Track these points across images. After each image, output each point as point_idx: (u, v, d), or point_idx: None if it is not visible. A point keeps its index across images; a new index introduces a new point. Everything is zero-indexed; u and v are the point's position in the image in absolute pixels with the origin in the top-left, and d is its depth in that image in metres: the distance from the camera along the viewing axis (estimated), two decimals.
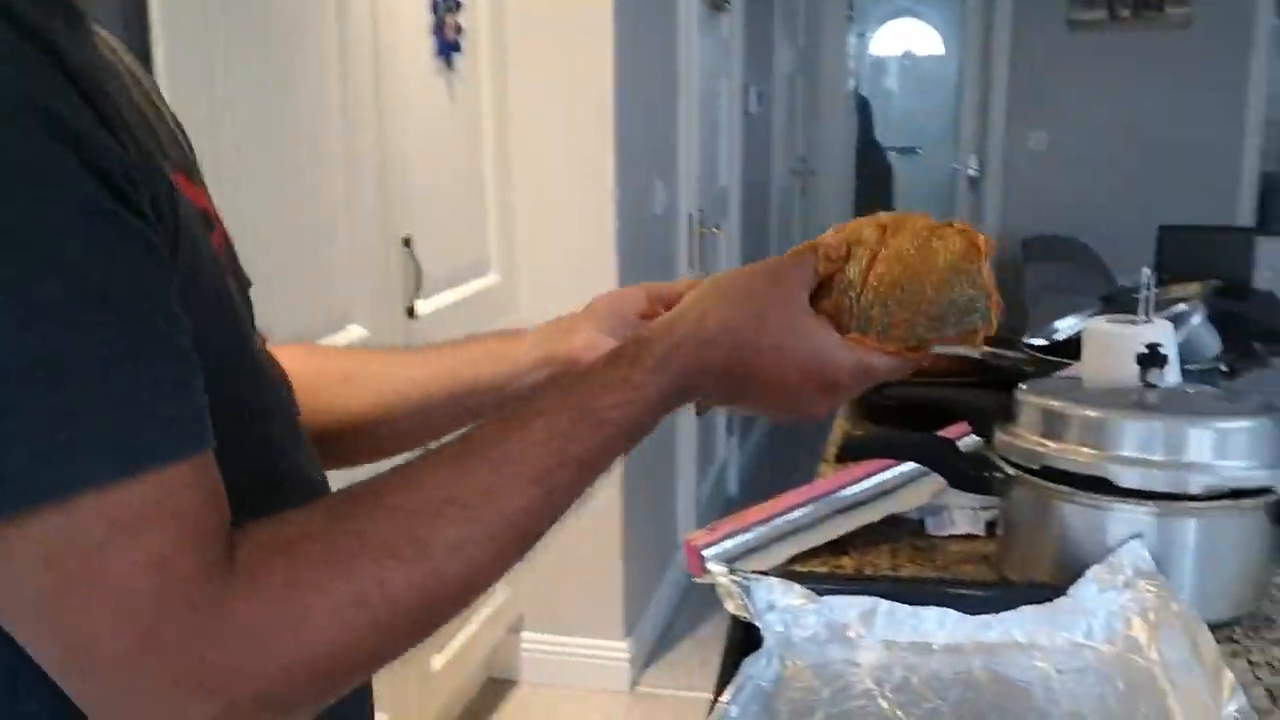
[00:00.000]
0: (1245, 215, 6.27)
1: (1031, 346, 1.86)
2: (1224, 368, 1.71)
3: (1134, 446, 1.21)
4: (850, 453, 1.50)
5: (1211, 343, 1.71)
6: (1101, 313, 1.89)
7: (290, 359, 0.87)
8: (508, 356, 0.97)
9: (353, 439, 0.96)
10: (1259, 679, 1.15)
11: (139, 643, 0.54)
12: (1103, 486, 1.20)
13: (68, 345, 0.54)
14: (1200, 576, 1.22)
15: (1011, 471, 1.27)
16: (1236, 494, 1.21)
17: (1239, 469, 1.21)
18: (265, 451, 0.73)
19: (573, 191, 3.08)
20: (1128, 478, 1.20)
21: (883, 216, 0.85)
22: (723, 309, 0.78)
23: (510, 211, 3.04)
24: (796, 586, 1.15)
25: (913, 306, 0.79)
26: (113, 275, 0.56)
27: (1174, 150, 6.08)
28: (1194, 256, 4.91)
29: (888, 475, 1.45)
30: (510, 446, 0.67)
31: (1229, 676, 0.99)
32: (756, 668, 1.00)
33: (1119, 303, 1.93)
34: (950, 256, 0.80)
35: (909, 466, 1.44)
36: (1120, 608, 1.16)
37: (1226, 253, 5.22)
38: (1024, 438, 1.27)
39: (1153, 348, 1.29)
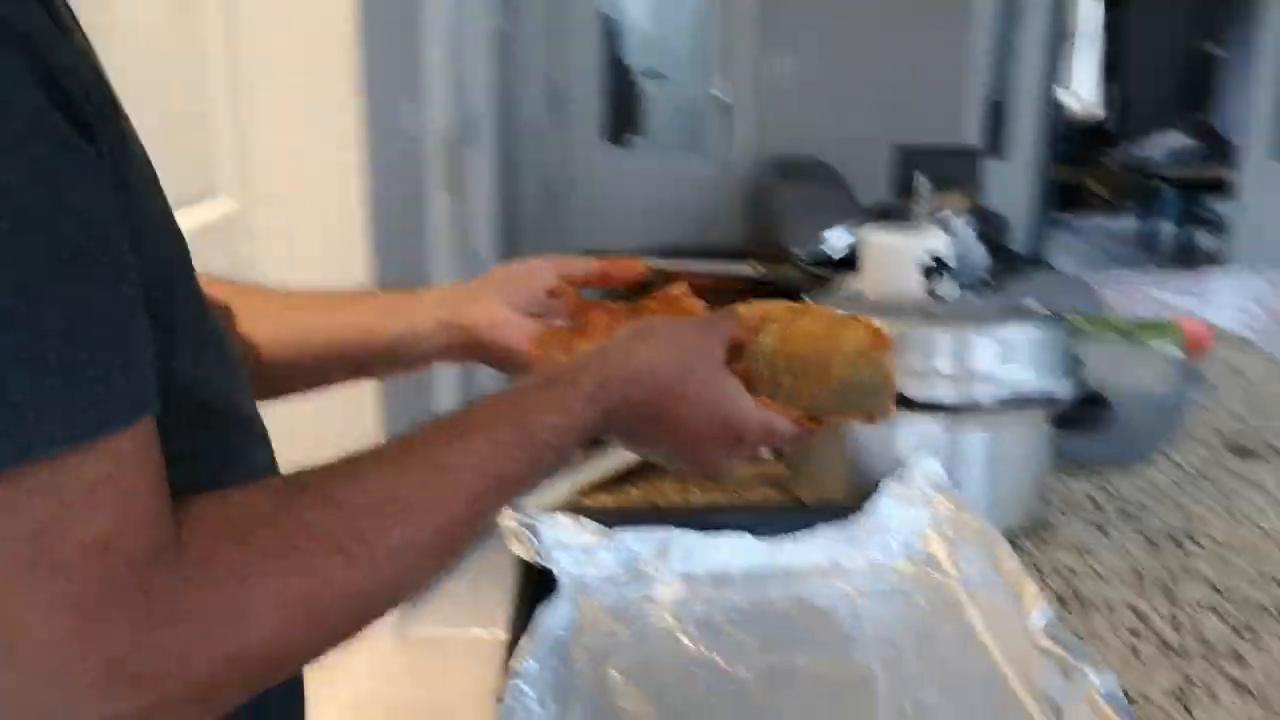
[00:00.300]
0: (972, 139, 6.52)
1: (804, 261, 1.82)
2: (989, 280, 1.71)
3: (923, 358, 1.18)
4: None
5: (980, 254, 1.70)
6: (872, 223, 1.87)
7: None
8: (401, 315, 0.94)
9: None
10: (1048, 585, 1.14)
11: (75, 629, 0.50)
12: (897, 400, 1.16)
13: (7, 297, 0.48)
14: (990, 487, 1.20)
15: None
16: (1022, 403, 1.18)
17: (1024, 378, 1.19)
18: (204, 386, 0.66)
19: (314, 109, 2.87)
20: (918, 390, 1.16)
21: (790, 303, 0.93)
22: (652, 351, 0.80)
23: (243, 131, 2.81)
24: (587, 523, 1.07)
25: (819, 382, 0.85)
26: (60, 213, 0.50)
27: (909, 76, 6.25)
28: (929, 177, 5.06)
29: None
30: (451, 456, 0.66)
31: (1032, 588, 0.96)
32: (553, 616, 0.91)
33: (885, 216, 1.91)
34: (857, 343, 0.87)
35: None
36: (917, 524, 1.13)
37: (958, 173, 5.42)
38: None
39: (938, 258, 1.25)
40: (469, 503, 0.66)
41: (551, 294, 0.93)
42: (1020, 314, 1.25)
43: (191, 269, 0.66)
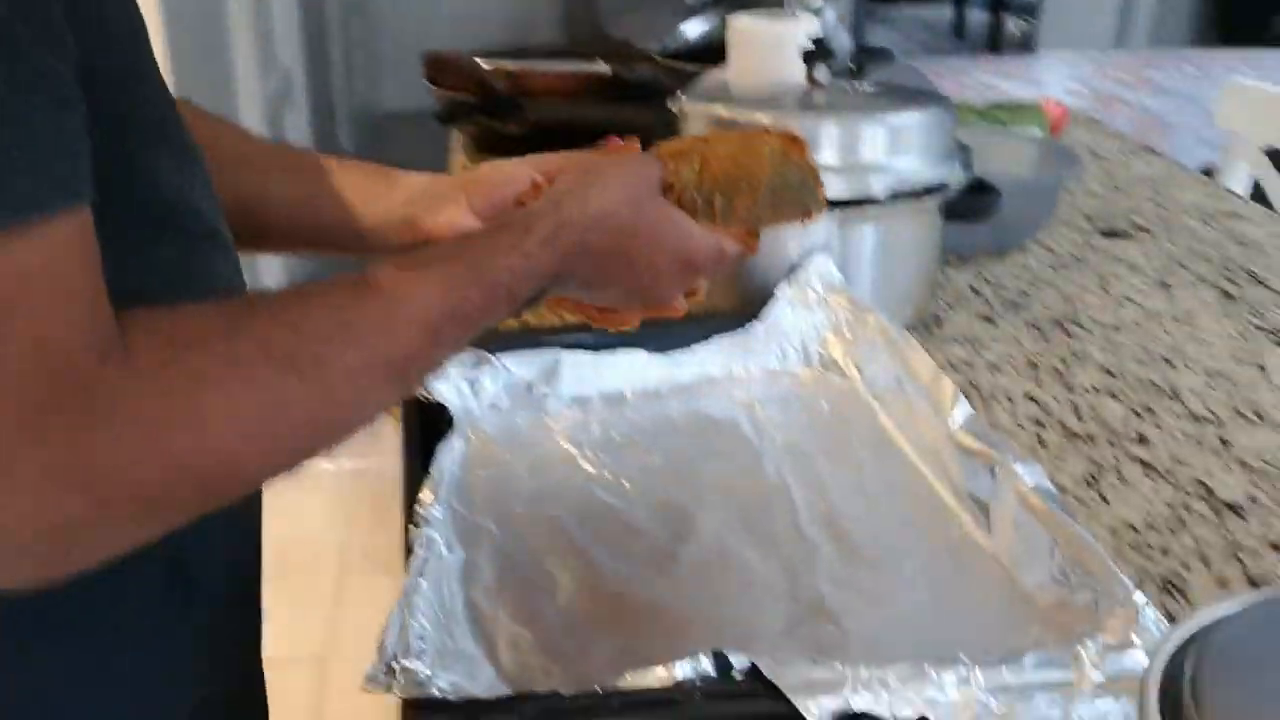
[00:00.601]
0: None
1: (660, 54, 1.71)
2: (853, 65, 1.63)
3: (812, 151, 1.10)
4: None
5: (844, 41, 1.63)
6: (731, 12, 1.77)
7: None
8: (380, 204, 0.87)
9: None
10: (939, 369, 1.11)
11: (16, 430, 0.47)
12: None
13: None
14: (881, 283, 1.15)
15: None
16: (915, 193, 1.13)
17: (914, 166, 1.13)
18: (165, 187, 0.63)
19: None
20: None
21: (694, 136, 0.95)
22: (606, 195, 0.76)
23: None
24: (470, 349, 0.98)
25: (750, 194, 0.82)
26: None
27: None
28: None
29: None
30: (404, 287, 0.63)
31: (949, 385, 0.92)
32: (448, 454, 0.83)
33: (735, 3, 1.81)
34: (774, 149, 0.84)
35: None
36: (814, 327, 1.08)
37: None
38: None
39: (818, 41, 1.17)
40: (423, 333, 0.63)
41: (520, 203, 0.84)
42: (907, 99, 1.19)
43: (153, 64, 0.62)
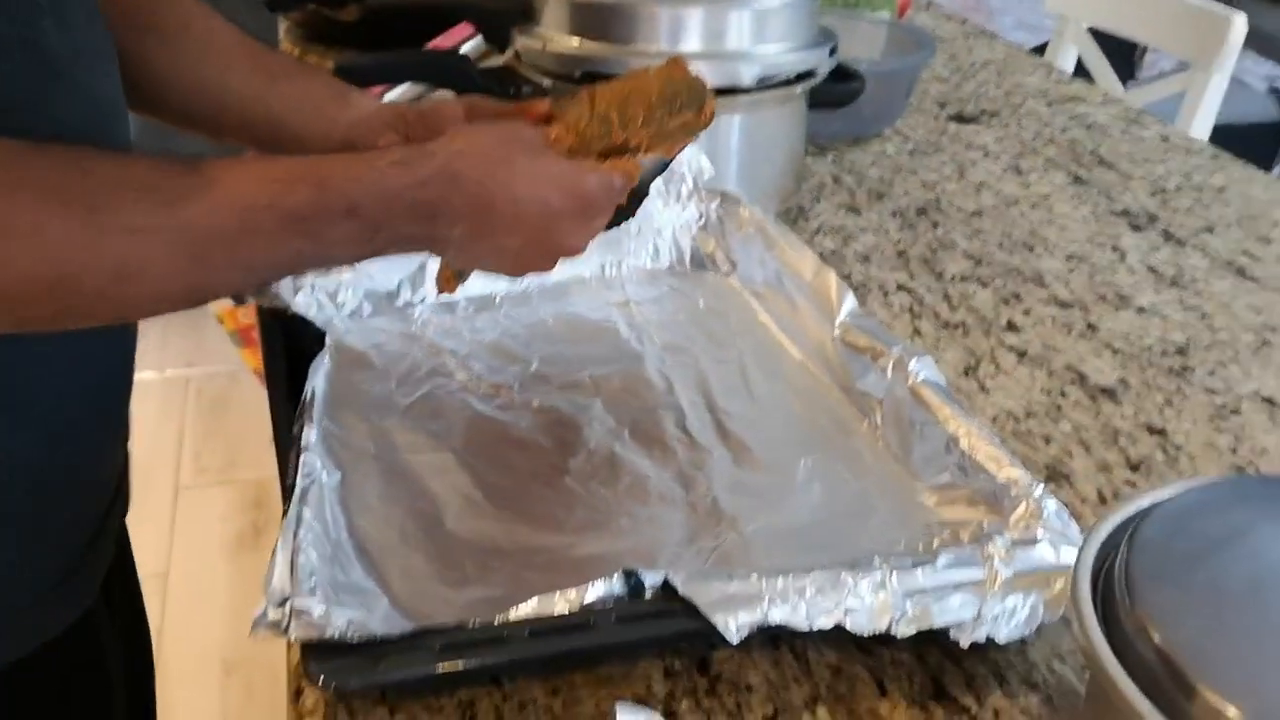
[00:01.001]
0: None
1: None
2: None
3: (678, 39, 1.06)
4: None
5: None
6: None
7: None
8: (325, 122, 0.82)
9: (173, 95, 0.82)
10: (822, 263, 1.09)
11: None
12: None
13: None
14: (748, 174, 1.12)
15: (547, 83, 1.08)
16: (782, 81, 1.09)
17: (781, 53, 1.09)
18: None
19: None
20: None
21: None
22: (470, 133, 0.71)
23: None
24: None
25: (643, 100, 0.78)
26: None
27: None
28: None
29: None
30: (227, 172, 0.59)
31: (833, 279, 0.90)
32: (318, 374, 0.77)
33: None
34: (657, 68, 0.81)
35: (411, 90, 1.20)
36: (686, 223, 1.04)
37: None
38: (555, 40, 1.08)
39: None
40: (232, 215, 0.58)
41: None
42: None
43: None
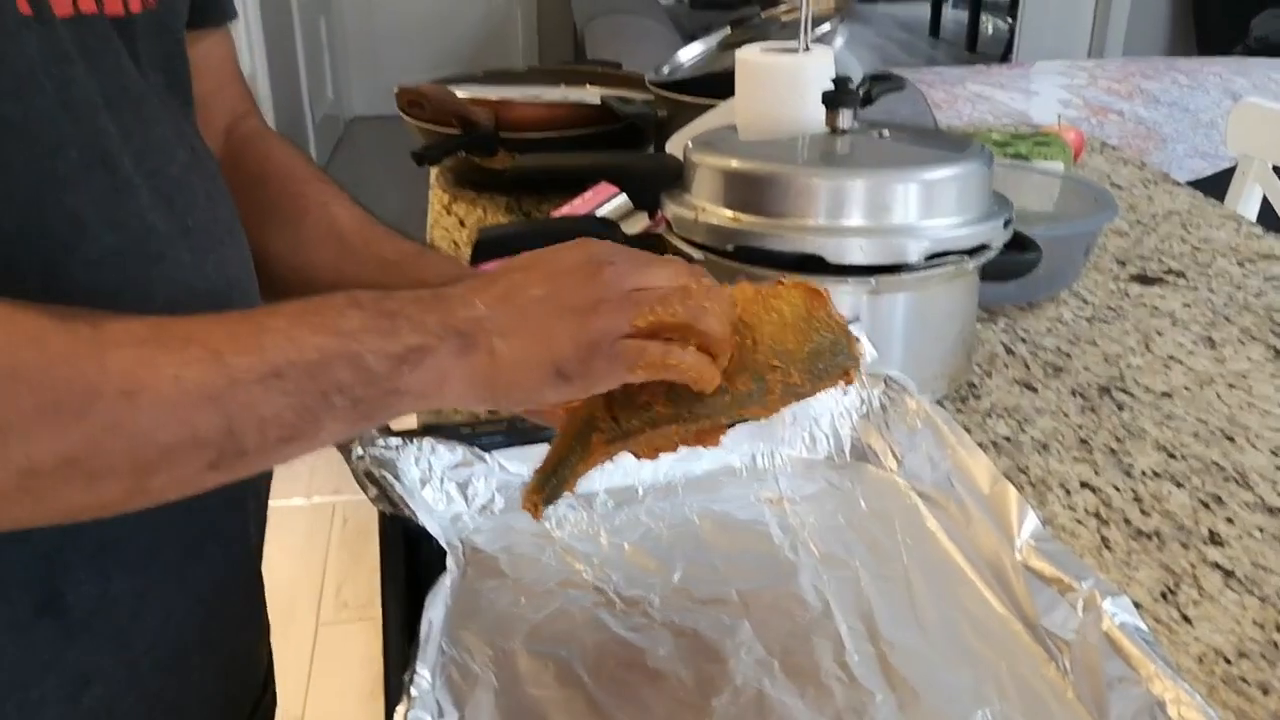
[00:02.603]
0: None
1: (655, 84, 1.59)
2: (863, 94, 1.51)
3: (834, 213, 0.98)
4: (483, 252, 1.18)
5: (855, 66, 1.51)
6: (732, 39, 1.65)
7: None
8: (409, 265, 0.79)
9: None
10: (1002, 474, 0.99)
11: None
12: (810, 264, 0.97)
13: None
14: (915, 355, 1.04)
15: (697, 255, 1.02)
16: (953, 257, 1.01)
17: (952, 227, 1.01)
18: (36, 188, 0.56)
19: None
20: (832, 252, 0.98)
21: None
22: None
23: None
24: (459, 447, 0.86)
25: (785, 364, 0.69)
26: None
27: None
28: None
29: None
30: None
31: (1012, 493, 0.80)
32: (437, 596, 0.70)
33: (745, 26, 1.70)
34: (795, 309, 0.71)
35: None
36: (846, 410, 0.96)
37: None
38: (707, 210, 1.02)
39: (841, 83, 1.05)
40: (239, 320, 0.55)
41: None
42: (942, 149, 1.07)
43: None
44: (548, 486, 0.69)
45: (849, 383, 0.73)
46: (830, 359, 0.71)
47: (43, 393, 0.47)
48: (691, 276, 0.65)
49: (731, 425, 0.72)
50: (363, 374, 0.55)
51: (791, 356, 0.69)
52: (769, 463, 0.94)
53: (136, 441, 0.50)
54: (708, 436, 0.71)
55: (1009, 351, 1.22)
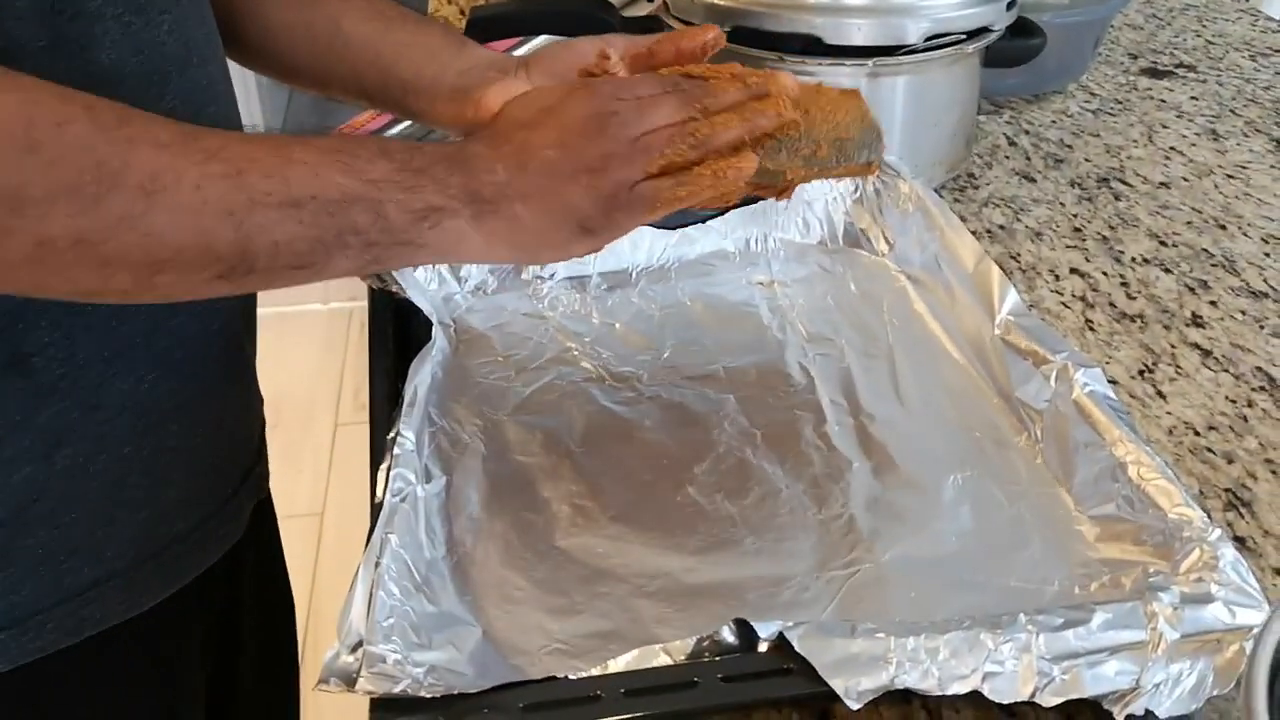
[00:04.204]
0: None
1: None
2: None
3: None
4: (475, 31, 1.17)
5: None
6: None
7: None
8: (438, 69, 0.76)
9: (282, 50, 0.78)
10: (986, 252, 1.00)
11: None
12: (809, 46, 0.97)
13: None
14: (913, 140, 1.04)
15: None
16: (954, 40, 1.00)
17: (953, 8, 1.00)
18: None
19: None
20: (832, 33, 0.97)
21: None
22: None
23: None
24: None
25: (820, 133, 0.69)
26: None
27: None
28: None
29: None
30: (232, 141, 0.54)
31: (995, 272, 0.82)
32: (424, 365, 0.73)
33: None
34: (836, 95, 0.72)
35: (549, 42, 1.14)
36: (839, 195, 0.96)
37: None
38: None
39: None
40: (266, 144, 0.54)
41: (586, 74, 0.71)
42: None
43: None
44: None
45: (870, 174, 0.76)
46: (858, 148, 0.72)
47: (61, 173, 0.48)
48: (693, 105, 0.63)
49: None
50: (381, 222, 0.56)
51: (823, 135, 0.69)
52: (762, 247, 0.95)
53: (150, 238, 0.50)
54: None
55: (1011, 143, 1.21)
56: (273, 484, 0.82)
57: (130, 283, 0.52)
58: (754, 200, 0.94)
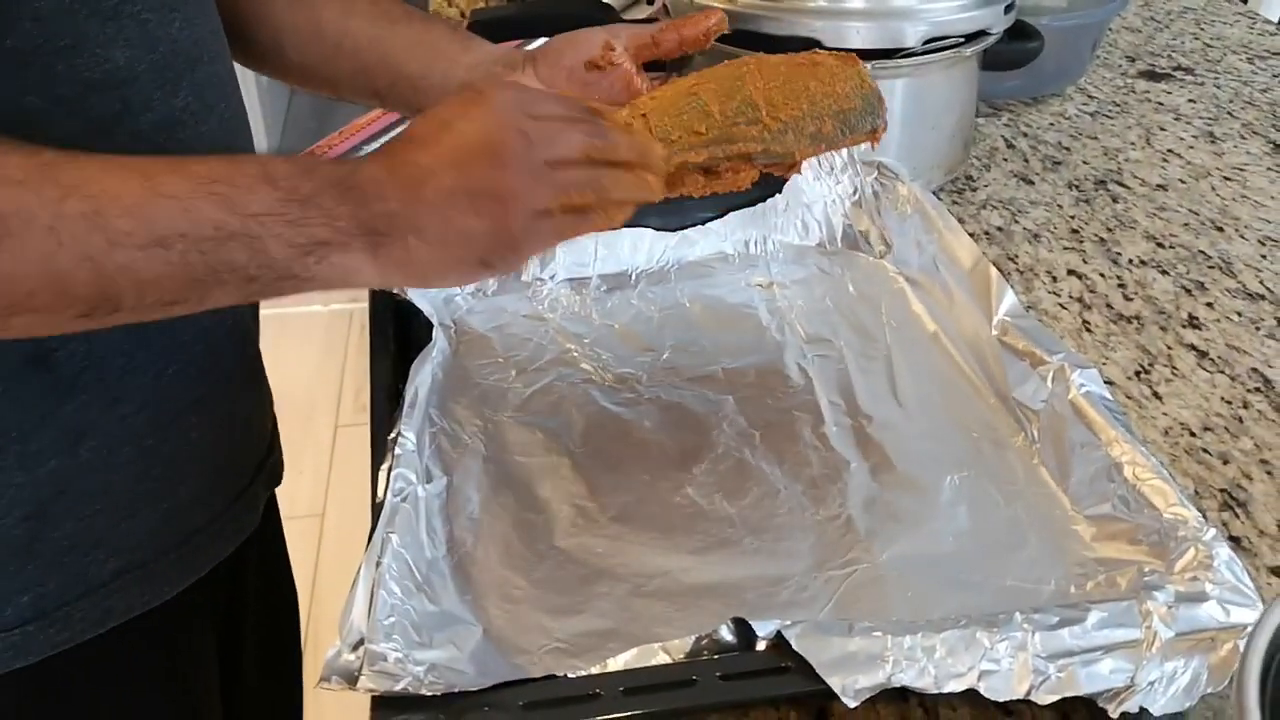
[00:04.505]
0: None
1: None
2: None
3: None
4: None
5: None
6: None
7: None
8: (445, 65, 0.76)
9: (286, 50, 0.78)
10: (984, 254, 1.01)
11: None
12: (808, 50, 0.97)
13: None
14: (912, 143, 1.04)
15: None
16: (952, 42, 1.01)
17: (951, 11, 1.00)
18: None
19: None
20: (837, 35, 0.97)
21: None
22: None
23: None
24: None
25: (813, 99, 0.69)
26: None
27: None
28: None
29: None
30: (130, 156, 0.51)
31: (992, 272, 0.82)
32: (426, 367, 0.73)
33: None
34: (832, 72, 0.71)
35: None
36: (839, 197, 0.97)
37: None
38: None
39: None
40: (133, 176, 0.50)
41: (593, 66, 0.71)
42: None
43: None
44: None
45: (876, 142, 0.74)
46: (861, 117, 0.72)
47: None
48: (597, 141, 0.59)
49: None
50: (260, 257, 0.52)
51: (826, 110, 0.69)
52: (761, 249, 0.96)
53: (8, 294, 0.48)
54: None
55: (1009, 145, 1.22)
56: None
57: None
58: (757, 200, 0.95)
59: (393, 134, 0.99)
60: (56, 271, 0.48)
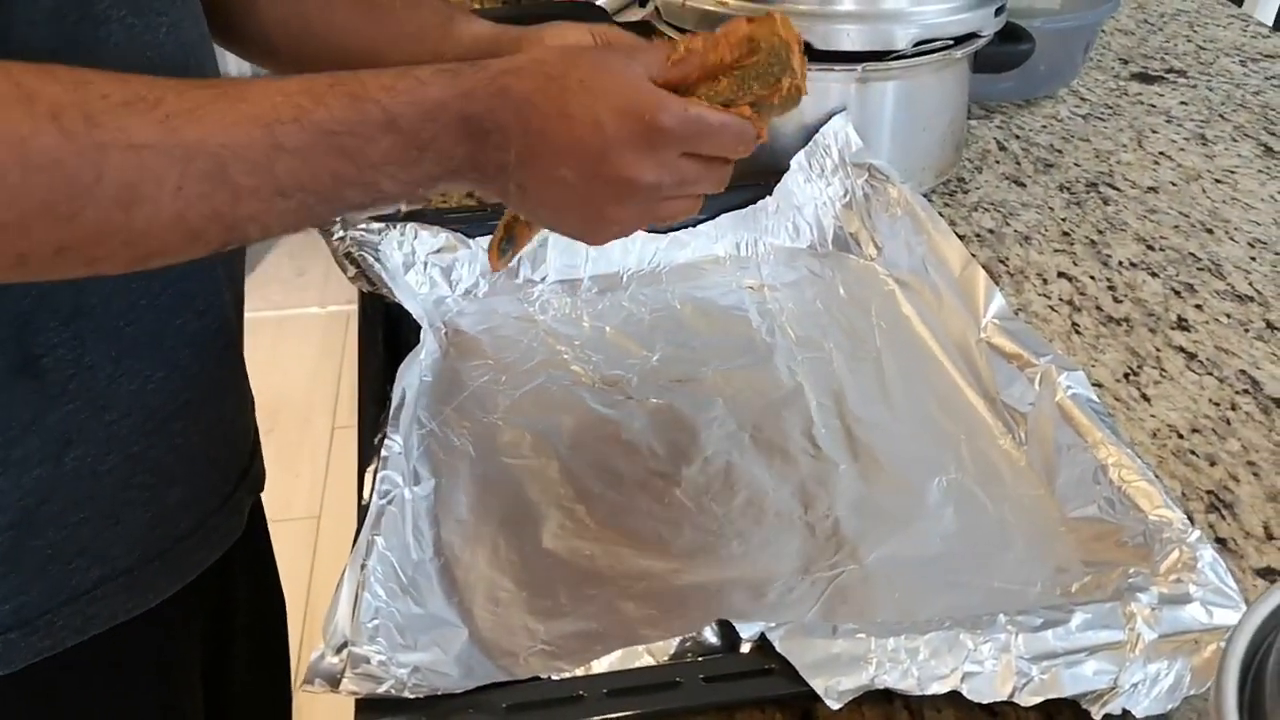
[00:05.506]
0: None
1: None
2: None
3: None
4: None
5: None
6: None
7: None
8: (432, 50, 0.77)
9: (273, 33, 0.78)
10: (973, 255, 1.01)
11: None
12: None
13: None
14: (903, 146, 1.04)
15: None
16: (943, 44, 1.01)
17: (942, 14, 1.00)
18: None
19: None
20: (820, 38, 0.98)
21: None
22: (540, 49, 0.67)
23: None
24: (442, 232, 0.88)
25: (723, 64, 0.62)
26: None
27: None
28: None
29: None
30: (246, 85, 0.52)
31: (981, 275, 0.83)
32: (414, 369, 0.74)
33: None
34: (739, 39, 0.63)
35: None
36: (829, 200, 0.97)
37: None
38: None
39: None
40: (254, 129, 0.51)
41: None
42: None
43: None
44: (504, 242, 0.70)
45: (787, 98, 0.63)
46: (765, 65, 0.62)
47: (30, 195, 0.46)
48: (723, 176, 0.62)
49: None
50: (374, 193, 0.55)
51: (731, 60, 0.62)
52: (752, 251, 0.96)
53: (132, 245, 0.50)
54: None
55: (1001, 147, 1.22)
56: (270, 487, 0.83)
57: (122, 268, 0.52)
58: (748, 203, 0.95)
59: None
60: (187, 228, 0.51)
